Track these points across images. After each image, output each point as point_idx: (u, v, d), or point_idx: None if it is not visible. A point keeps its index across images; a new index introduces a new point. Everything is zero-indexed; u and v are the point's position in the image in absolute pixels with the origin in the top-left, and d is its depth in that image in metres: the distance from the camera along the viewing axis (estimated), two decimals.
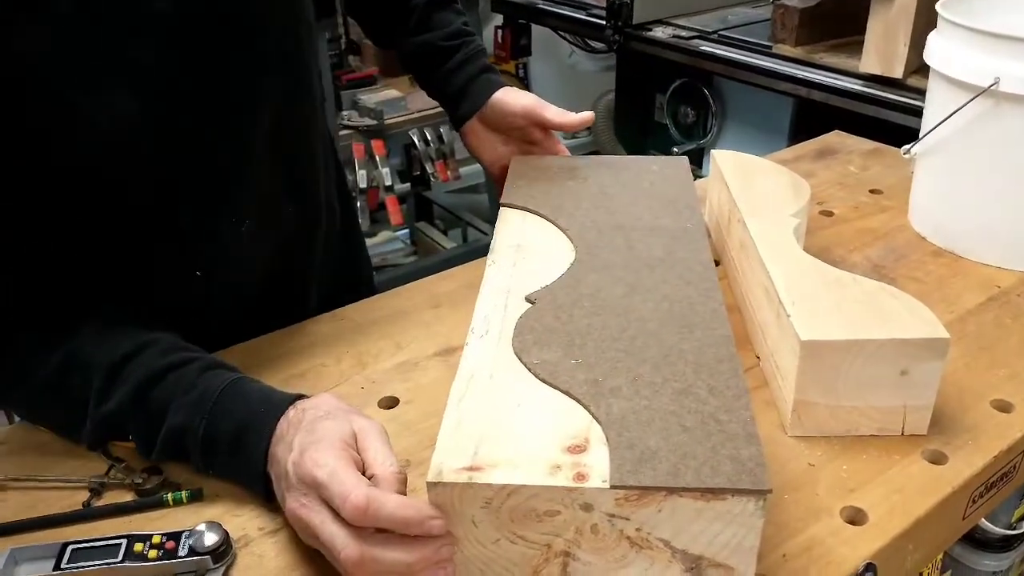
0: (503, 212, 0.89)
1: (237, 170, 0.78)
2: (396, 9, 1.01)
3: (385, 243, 2.94)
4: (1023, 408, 0.75)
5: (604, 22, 2.25)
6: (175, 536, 0.61)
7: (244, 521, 0.65)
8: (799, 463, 0.70)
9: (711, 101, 2.18)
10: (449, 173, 2.72)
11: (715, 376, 0.62)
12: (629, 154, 2.41)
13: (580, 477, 0.53)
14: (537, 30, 2.87)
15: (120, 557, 0.60)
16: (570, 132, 1.60)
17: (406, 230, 3.01)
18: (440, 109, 1.08)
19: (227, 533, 0.62)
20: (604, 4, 2.25)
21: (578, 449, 0.56)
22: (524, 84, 3.16)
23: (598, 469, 0.54)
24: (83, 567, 0.60)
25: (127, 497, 0.68)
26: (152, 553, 0.60)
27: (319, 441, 0.58)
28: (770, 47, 1.97)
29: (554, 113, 0.98)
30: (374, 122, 2.58)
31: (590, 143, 2.94)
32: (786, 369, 0.72)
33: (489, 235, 1.08)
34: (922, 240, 1.04)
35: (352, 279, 1.05)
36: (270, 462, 0.63)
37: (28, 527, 0.65)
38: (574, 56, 3.03)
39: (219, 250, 0.80)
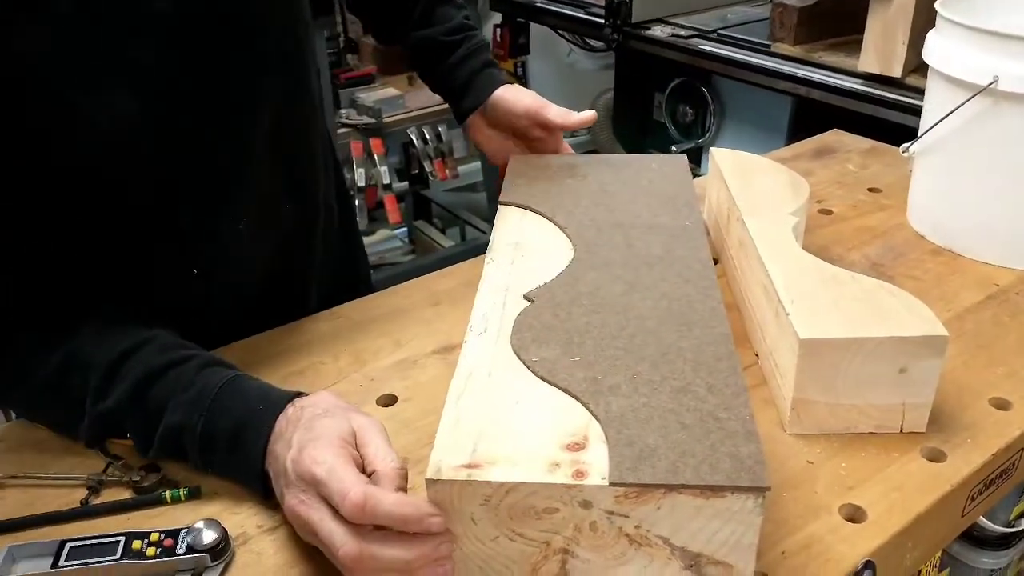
0: (502, 210, 0.89)
1: (237, 170, 0.78)
2: (398, 4, 1.01)
3: (383, 241, 2.94)
4: (1021, 406, 0.75)
5: (603, 21, 2.25)
6: (173, 534, 0.61)
7: (242, 519, 0.65)
8: (798, 461, 0.70)
9: (710, 100, 2.18)
10: (447, 171, 2.72)
11: (714, 374, 0.62)
12: (628, 153, 2.41)
13: (579, 474, 0.53)
14: (536, 28, 2.86)
15: (118, 555, 0.60)
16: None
17: (404, 228, 3.00)
18: (438, 108, 1.09)
19: (225, 531, 0.62)
20: (603, 3, 2.25)
21: (577, 447, 0.56)
22: (523, 83, 3.15)
23: (597, 466, 0.54)
24: (81, 565, 0.60)
25: (125, 495, 0.68)
26: (150, 551, 0.60)
27: (318, 438, 0.58)
28: (769, 46, 1.97)
29: (556, 113, 0.98)
30: (372, 120, 2.58)
31: (588, 142, 2.94)
32: (785, 367, 0.72)
33: (487, 233, 1.08)
34: (920, 238, 1.04)
35: (351, 278, 1.05)
36: (268, 459, 0.63)
37: (26, 525, 0.65)
38: (573, 55, 3.03)
39: (219, 250, 0.80)
